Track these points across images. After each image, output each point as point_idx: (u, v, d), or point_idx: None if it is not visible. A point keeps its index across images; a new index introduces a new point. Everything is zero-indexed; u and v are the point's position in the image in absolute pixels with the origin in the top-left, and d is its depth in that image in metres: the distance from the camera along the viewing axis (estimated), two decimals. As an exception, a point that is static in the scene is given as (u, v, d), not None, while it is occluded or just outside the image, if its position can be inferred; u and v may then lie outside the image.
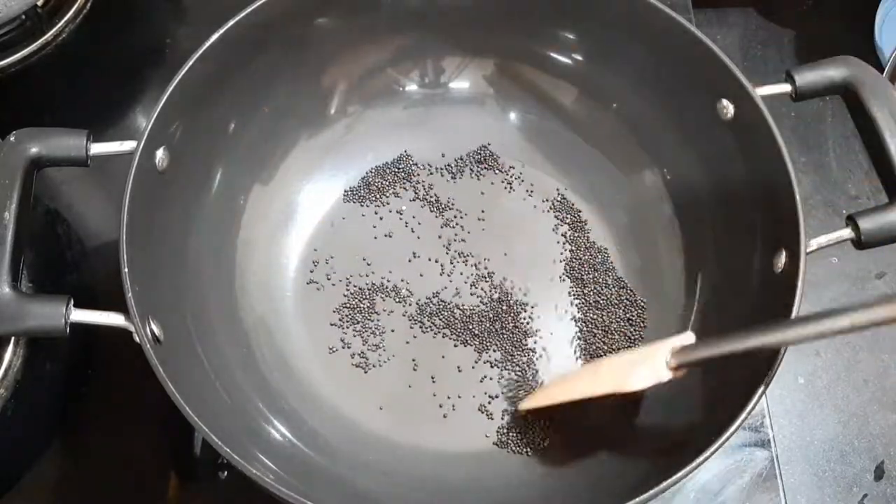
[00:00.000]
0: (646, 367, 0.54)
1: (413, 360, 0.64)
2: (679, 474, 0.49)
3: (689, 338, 0.55)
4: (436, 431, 0.62)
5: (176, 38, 0.79)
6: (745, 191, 0.62)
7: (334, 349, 0.65)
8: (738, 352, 0.50)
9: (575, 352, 0.65)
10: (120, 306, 0.51)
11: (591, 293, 0.67)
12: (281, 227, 0.68)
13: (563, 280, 0.67)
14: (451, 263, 0.68)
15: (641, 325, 0.65)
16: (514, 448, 0.61)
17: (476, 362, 0.64)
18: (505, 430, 0.62)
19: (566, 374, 0.63)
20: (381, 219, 0.69)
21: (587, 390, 0.58)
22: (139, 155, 0.55)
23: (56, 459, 0.63)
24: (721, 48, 0.60)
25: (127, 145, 0.56)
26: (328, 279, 0.67)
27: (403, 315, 0.66)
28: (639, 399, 0.60)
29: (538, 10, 0.67)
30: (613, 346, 0.65)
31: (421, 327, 0.65)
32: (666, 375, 0.54)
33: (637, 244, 0.68)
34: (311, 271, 0.67)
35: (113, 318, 0.52)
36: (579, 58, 0.70)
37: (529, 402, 0.61)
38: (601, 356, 0.64)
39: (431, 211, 0.70)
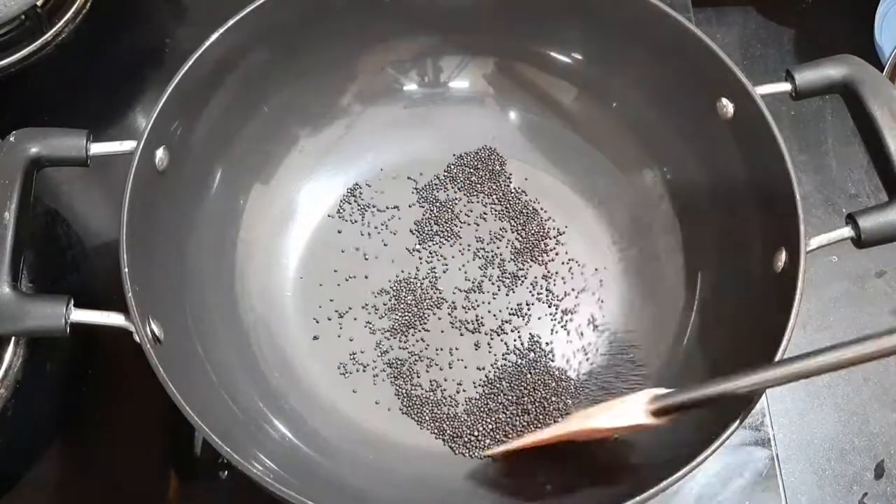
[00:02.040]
0: (622, 411, 0.53)
1: (414, 360, 0.64)
2: (679, 473, 0.49)
3: (660, 390, 0.53)
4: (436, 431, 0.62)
5: (176, 38, 0.79)
6: (745, 190, 0.62)
7: (334, 349, 0.65)
8: (715, 396, 0.50)
9: (573, 348, 0.65)
10: (120, 306, 0.51)
11: (591, 292, 0.67)
12: (281, 227, 0.68)
13: (564, 279, 0.67)
14: (452, 262, 0.68)
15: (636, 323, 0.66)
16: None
17: (480, 362, 0.64)
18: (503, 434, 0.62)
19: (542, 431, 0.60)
20: (381, 218, 0.69)
21: (559, 432, 0.56)
22: (139, 155, 0.55)
23: (56, 459, 0.63)
24: (721, 47, 0.60)
25: (127, 145, 0.56)
26: (328, 279, 0.67)
27: (404, 314, 0.66)
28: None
29: (538, 10, 0.67)
30: (607, 342, 0.65)
31: (422, 326, 0.65)
32: (643, 419, 0.52)
33: (637, 243, 0.68)
34: (311, 271, 0.67)
35: (113, 318, 0.52)
36: (579, 57, 0.70)
37: (501, 449, 0.60)
38: (596, 353, 0.64)
39: (431, 210, 0.70)
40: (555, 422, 0.62)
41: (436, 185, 0.71)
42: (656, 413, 0.52)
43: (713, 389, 0.50)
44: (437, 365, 0.64)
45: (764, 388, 0.49)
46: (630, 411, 0.53)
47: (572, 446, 0.57)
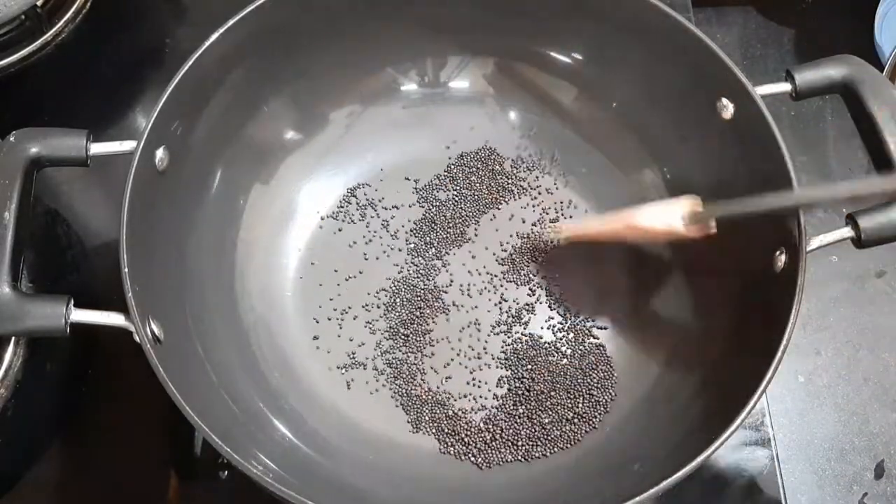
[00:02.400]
0: (661, 213, 0.61)
1: (414, 360, 0.64)
2: (679, 474, 0.49)
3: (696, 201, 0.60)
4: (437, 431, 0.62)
5: (176, 38, 0.79)
6: (745, 190, 0.62)
7: (334, 349, 0.65)
8: (750, 213, 0.56)
9: (572, 348, 0.65)
10: (120, 306, 0.51)
11: (591, 293, 0.67)
12: (281, 227, 0.68)
13: (563, 280, 0.67)
14: (453, 262, 0.68)
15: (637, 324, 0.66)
16: (512, 451, 0.61)
17: (479, 362, 0.65)
18: (504, 435, 0.62)
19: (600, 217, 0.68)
20: (381, 218, 0.69)
21: (613, 229, 0.64)
22: (139, 155, 0.55)
23: (56, 459, 0.63)
24: (721, 47, 0.61)
25: (127, 145, 0.56)
26: (328, 279, 0.67)
27: (405, 314, 0.66)
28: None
29: (538, 10, 0.67)
30: (607, 342, 0.65)
31: (422, 326, 0.65)
32: (678, 224, 0.60)
33: (637, 243, 0.68)
34: (311, 271, 0.67)
35: (113, 318, 0.52)
36: (579, 57, 0.70)
37: (568, 231, 0.67)
38: (596, 352, 0.64)
39: (431, 210, 0.70)
40: (553, 420, 0.62)
41: (436, 185, 0.71)
42: (690, 220, 0.59)
43: (746, 205, 0.56)
44: (436, 364, 0.64)
45: (793, 207, 0.55)
46: (669, 214, 0.60)
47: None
